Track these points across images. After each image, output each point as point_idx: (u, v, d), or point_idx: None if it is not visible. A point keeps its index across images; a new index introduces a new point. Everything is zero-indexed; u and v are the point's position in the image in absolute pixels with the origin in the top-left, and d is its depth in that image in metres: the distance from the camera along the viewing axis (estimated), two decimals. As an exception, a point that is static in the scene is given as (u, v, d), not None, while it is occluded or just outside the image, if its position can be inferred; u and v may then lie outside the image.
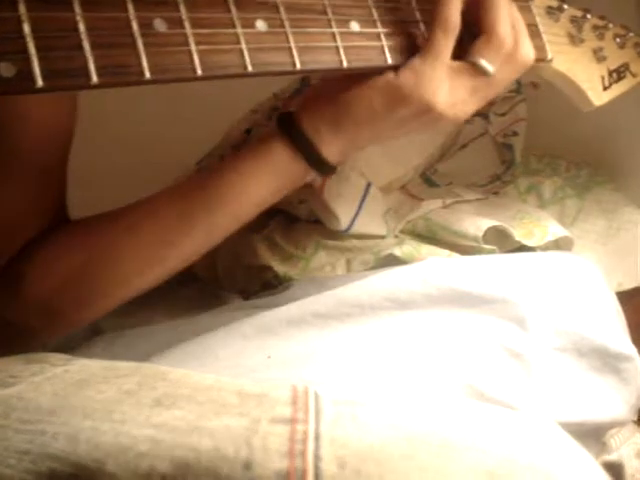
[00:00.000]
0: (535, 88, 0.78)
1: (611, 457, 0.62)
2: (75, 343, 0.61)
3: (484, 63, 0.51)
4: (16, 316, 0.53)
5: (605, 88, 0.64)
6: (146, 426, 0.35)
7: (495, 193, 0.77)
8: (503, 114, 0.79)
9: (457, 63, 0.51)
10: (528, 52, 0.53)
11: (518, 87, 0.77)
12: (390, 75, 0.49)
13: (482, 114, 0.80)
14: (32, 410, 0.37)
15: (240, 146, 0.74)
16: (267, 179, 0.52)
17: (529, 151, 0.81)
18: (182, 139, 0.81)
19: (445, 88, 0.50)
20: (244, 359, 0.54)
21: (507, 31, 0.51)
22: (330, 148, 0.51)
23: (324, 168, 0.52)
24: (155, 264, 0.53)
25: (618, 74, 0.65)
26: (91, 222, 0.55)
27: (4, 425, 0.36)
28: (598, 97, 0.63)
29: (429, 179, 0.77)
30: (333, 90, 0.51)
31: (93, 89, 0.35)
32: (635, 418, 0.63)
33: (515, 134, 0.78)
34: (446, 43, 0.50)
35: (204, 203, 0.52)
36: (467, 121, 0.80)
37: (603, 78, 0.64)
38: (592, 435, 0.59)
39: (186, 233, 0.52)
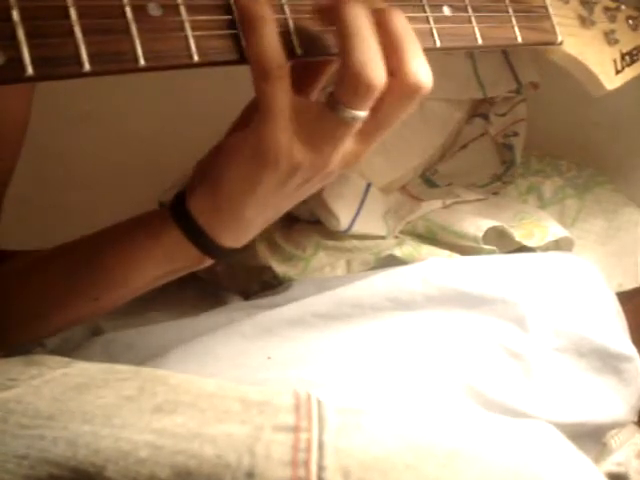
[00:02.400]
0: (535, 88, 0.78)
1: (616, 468, 0.62)
2: (74, 344, 0.61)
3: (348, 111, 0.39)
4: None
5: (617, 72, 0.62)
6: (146, 432, 0.35)
7: (495, 193, 0.77)
8: (503, 114, 0.79)
9: (318, 109, 0.40)
10: (416, 77, 0.40)
11: (518, 87, 0.77)
12: (237, 141, 0.42)
13: (482, 114, 0.80)
14: (31, 414, 0.37)
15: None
16: (161, 266, 0.47)
17: (529, 151, 0.81)
18: (182, 139, 0.81)
19: (306, 144, 0.40)
20: (244, 359, 0.53)
21: (368, 65, 0.38)
22: (224, 235, 0.45)
23: (225, 255, 0.46)
24: (38, 319, 0.51)
25: (631, 57, 0.63)
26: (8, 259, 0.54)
27: (2, 430, 0.36)
28: (610, 81, 0.61)
29: (429, 179, 0.77)
30: (208, 167, 0.44)
31: (85, 77, 0.34)
32: (635, 419, 0.63)
33: (515, 134, 0.78)
34: (278, 91, 0.39)
35: (92, 280, 0.48)
36: (467, 121, 0.80)
37: (615, 61, 0.62)
38: (592, 436, 0.59)
39: (71, 302, 0.49)
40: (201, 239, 0.45)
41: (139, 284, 0.48)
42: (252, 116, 0.42)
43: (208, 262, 0.47)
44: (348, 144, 0.42)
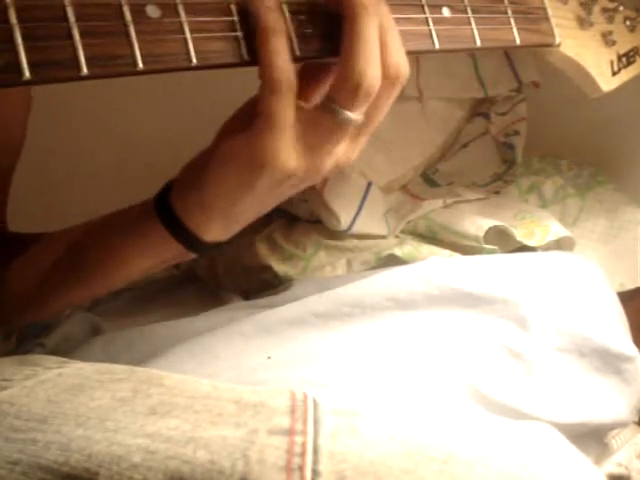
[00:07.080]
0: (536, 87, 0.78)
1: (618, 469, 0.62)
2: (74, 343, 0.61)
3: (346, 114, 0.41)
4: None
5: (614, 73, 0.62)
6: (140, 435, 0.34)
7: (496, 193, 0.77)
8: (504, 113, 0.79)
9: (313, 114, 0.42)
10: (398, 68, 0.42)
11: (519, 86, 0.77)
12: (233, 145, 0.42)
13: (483, 113, 0.80)
14: (24, 418, 0.36)
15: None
16: (149, 259, 0.50)
17: (530, 151, 0.81)
18: (181, 139, 0.81)
19: (301, 150, 0.42)
20: (244, 359, 0.53)
21: (370, 69, 0.40)
22: (209, 231, 0.46)
23: (208, 250, 0.48)
24: (37, 304, 0.55)
25: (627, 59, 0.63)
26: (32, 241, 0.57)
27: None
28: (607, 82, 0.62)
29: (430, 179, 0.77)
30: (198, 166, 0.45)
31: (83, 80, 0.34)
32: (636, 419, 0.63)
33: (516, 133, 0.78)
34: (285, 104, 0.40)
35: (85, 271, 0.52)
36: (468, 120, 0.80)
37: (612, 63, 0.62)
38: (593, 436, 0.59)
39: (65, 290, 0.54)
40: (188, 238, 0.47)
41: (128, 275, 0.51)
42: (246, 119, 0.43)
43: (193, 256, 0.49)
44: (341, 147, 0.43)
